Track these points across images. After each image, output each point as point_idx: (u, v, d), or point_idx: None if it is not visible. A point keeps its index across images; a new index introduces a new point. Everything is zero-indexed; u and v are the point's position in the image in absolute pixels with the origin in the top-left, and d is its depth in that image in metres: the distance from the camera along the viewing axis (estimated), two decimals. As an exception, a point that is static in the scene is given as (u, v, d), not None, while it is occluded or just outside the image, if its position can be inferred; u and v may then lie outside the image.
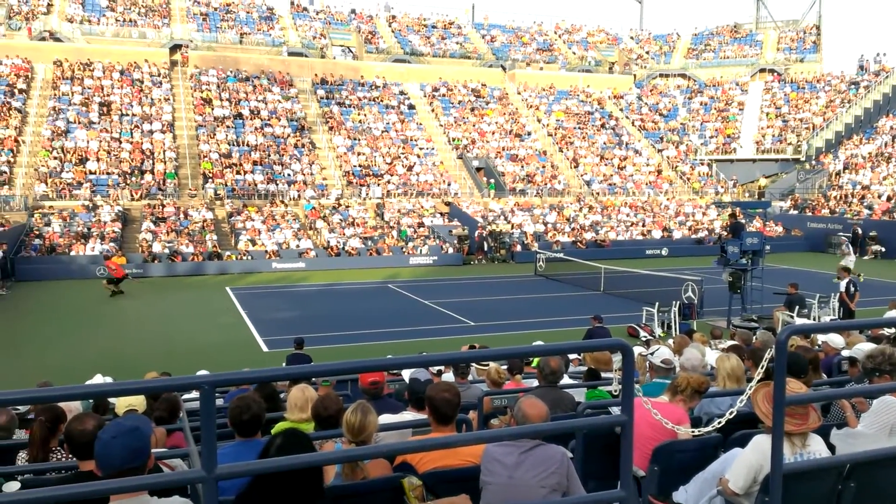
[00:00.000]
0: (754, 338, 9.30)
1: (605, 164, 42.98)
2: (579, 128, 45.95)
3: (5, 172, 31.75)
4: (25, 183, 31.91)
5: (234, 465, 2.46)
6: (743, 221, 20.13)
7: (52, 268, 26.35)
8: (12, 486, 3.82)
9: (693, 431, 4.20)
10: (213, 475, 2.21)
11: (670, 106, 51.69)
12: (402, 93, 45.49)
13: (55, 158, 33.06)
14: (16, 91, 36.65)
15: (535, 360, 7.72)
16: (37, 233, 28.22)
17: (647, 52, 59.90)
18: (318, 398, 4.63)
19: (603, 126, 46.69)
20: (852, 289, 16.81)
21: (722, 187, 43.07)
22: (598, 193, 40.24)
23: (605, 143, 44.90)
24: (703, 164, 45.23)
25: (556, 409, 5.20)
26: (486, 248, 32.34)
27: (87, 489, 2.31)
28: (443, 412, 3.86)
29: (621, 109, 49.59)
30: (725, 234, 20.22)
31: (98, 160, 33.74)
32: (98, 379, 7.87)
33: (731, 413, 3.93)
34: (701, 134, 48.08)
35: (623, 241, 34.83)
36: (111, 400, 6.19)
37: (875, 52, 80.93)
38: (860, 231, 33.91)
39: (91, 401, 6.09)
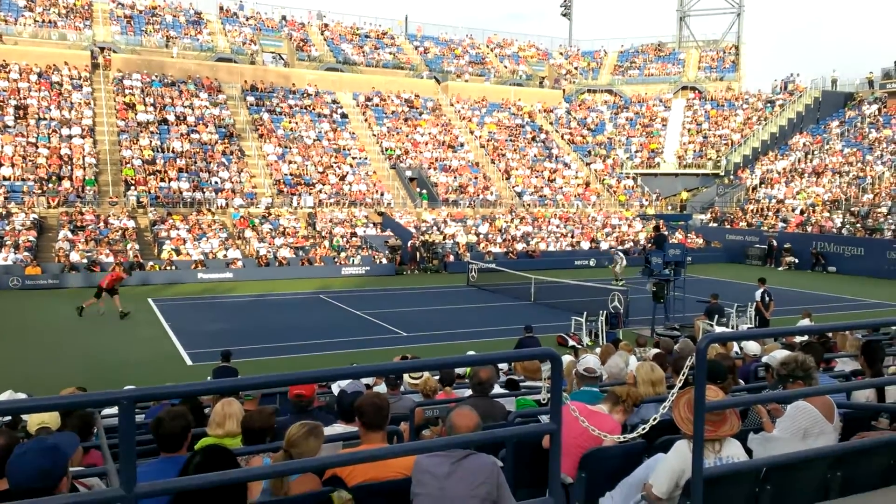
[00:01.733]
0: (675, 346, 9.61)
1: (536, 176, 43.76)
2: (511, 140, 46.65)
3: None
4: (-70, 188, 30.06)
5: (154, 483, 2.36)
6: (666, 233, 20.84)
7: (-41, 278, 24.86)
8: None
9: (618, 438, 4.30)
10: (132, 494, 2.13)
11: (598, 121, 53.13)
12: (334, 101, 45.16)
13: (-37, 162, 31.28)
14: (-80, 90, 34.56)
15: (468, 371, 7.76)
16: (-58, 241, 26.59)
17: (576, 68, 61.43)
18: (247, 412, 4.52)
19: (534, 139, 47.55)
20: (767, 298, 17.62)
21: (646, 200, 44.47)
22: (528, 205, 40.89)
23: (535, 156, 45.73)
24: (628, 177, 46.62)
25: (488, 418, 5.23)
26: (418, 259, 32.36)
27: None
28: (371, 420, 3.85)
29: (551, 123, 50.64)
30: (650, 245, 20.88)
31: (13, 165, 32.12)
32: (8, 395, 7.45)
33: (654, 420, 4.04)
34: (627, 148, 49.58)
35: (553, 252, 35.47)
36: (24, 417, 5.87)
37: (789, 72, 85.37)
38: (775, 243, 35.60)
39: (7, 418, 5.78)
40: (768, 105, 50.52)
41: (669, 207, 44.60)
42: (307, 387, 5.49)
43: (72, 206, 30.95)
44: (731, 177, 45.68)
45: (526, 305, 23.21)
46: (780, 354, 7.07)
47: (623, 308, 18.99)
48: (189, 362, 15.32)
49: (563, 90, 56.39)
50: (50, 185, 31.78)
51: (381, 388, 7.87)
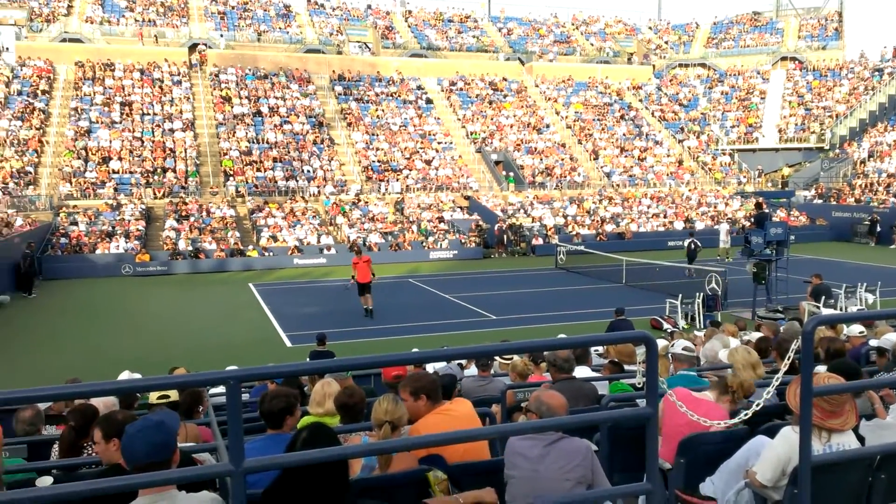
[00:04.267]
0: (781, 329, 9.20)
1: (625, 156, 42.66)
2: (598, 119, 45.63)
3: (30, 173, 32.26)
4: (50, 183, 32.40)
5: (262, 458, 2.48)
6: (767, 211, 19.88)
7: (79, 266, 26.74)
8: (45, 481, 3.89)
9: (721, 424, 4.16)
10: (241, 469, 2.23)
11: (690, 96, 51.13)
12: (419, 87, 45.47)
13: (79, 158, 33.52)
14: (38, 92, 37.20)
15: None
16: (62, 231, 28.63)
17: (666, 42, 59.27)
18: (342, 388, 4.65)
19: (622, 117, 46.32)
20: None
21: (745, 177, 42.54)
22: (618, 185, 39.96)
23: (624, 135, 44.55)
24: (724, 153, 44.71)
25: (577, 402, 5.18)
26: (506, 242, 32.28)
27: (113, 484, 2.35)
28: (434, 393, 3.95)
29: (640, 100, 49.15)
30: (750, 224, 19.99)
31: (121, 159, 34.16)
32: (126, 375, 8.00)
33: (757, 405, 3.89)
34: (722, 123, 47.52)
35: (644, 233, 34.56)
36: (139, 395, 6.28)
37: (901, 36, 79.31)
38: (878, 218, 33.34)
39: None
40: (876, 73, 47.12)
41: (770, 184, 42.46)
42: (403, 369, 5.59)
43: (176, 197, 32.65)
44: (837, 150, 43.01)
45: (617, 288, 22.76)
46: (894, 337, 6.65)
47: (721, 290, 18.30)
48: (288, 344, 15.92)
49: (653, 66, 54.57)
50: (155, 177, 33.63)
51: (472, 370, 7.94)
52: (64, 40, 42.03)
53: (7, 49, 39.22)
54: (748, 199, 37.13)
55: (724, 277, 18.61)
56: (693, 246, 26.06)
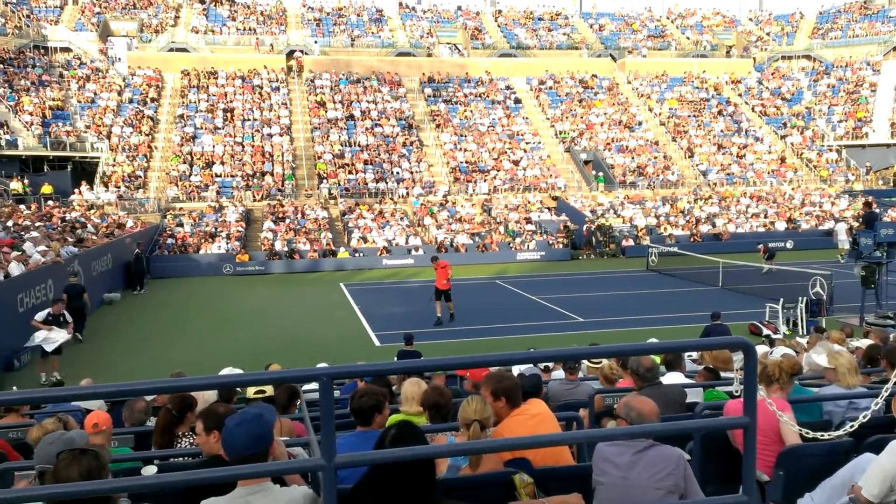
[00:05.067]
0: (891, 336, 8.63)
1: (723, 153, 41.06)
2: (694, 116, 44.12)
3: (140, 177, 34.33)
4: (158, 186, 34.38)
5: (353, 454, 2.55)
6: (878, 211, 18.65)
7: (184, 265, 28.24)
8: (150, 470, 4.14)
9: (823, 435, 3.95)
10: (333, 464, 2.30)
11: (794, 89, 48.62)
12: (508, 87, 45.36)
13: (184, 163, 35.40)
14: (148, 100, 39.51)
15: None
16: (169, 233, 30.32)
17: (768, 34, 56.59)
18: (432, 386, 4.71)
19: (720, 113, 44.60)
20: None
21: (853, 175, 40.09)
22: (714, 184, 38.52)
23: (722, 131, 42.88)
24: (831, 150, 42.25)
25: (665, 409, 5.03)
26: (594, 243, 31.72)
27: (213, 475, 2.47)
28: (514, 396, 3.98)
29: (740, 95, 47.17)
30: (858, 224, 18.83)
31: (223, 163, 35.82)
32: (228, 370, 8.38)
33: (864, 417, 3.67)
34: (828, 118, 44.91)
35: (743, 234, 33.18)
36: (238, 389, 6.58)
37: None
38: None
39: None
40: None
41: (881, 182, 39.86)
42: (481, 370, 5.61)
43: (273, 199, 33.95)
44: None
45: (712, 291, 21.95)
46: None
47: (827, 294, 17.32)
48: (377, 343, 16.24)
49: (754, 59, 52.24)
50: (255, 181, 35.08)
51: (559, 373, 7.86)
52: (171, 50, 44.47)
53: (119, 59, 41.84)
54: (856, 199, 34.99)
55: (831, 281, 17.60)
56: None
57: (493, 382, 4.01)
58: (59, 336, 13.41)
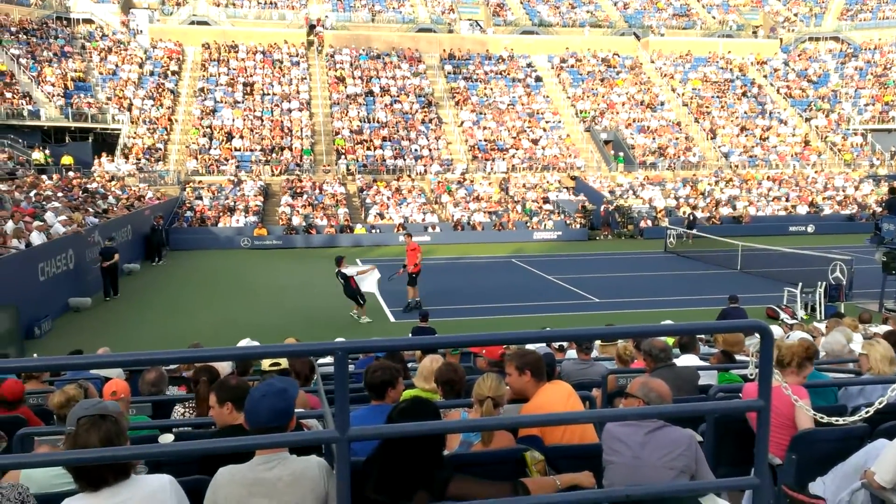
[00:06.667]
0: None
1: (746, 135, 40.51)
2: (718, 97, 43.51)
3: (160, 149, 34.53)
4: (178, 159, 34.58)
5: (365, 427, 2.58)
6: (902, 196, 18.32)
7: (202, 238, 28.47)
8: (167, 438, 4.21)
9: (838, 420, 3.93)
10: (346, 436, 2.33)
11: (820, 72, 47.70)
12: (529, 65, 44.91)
13: (204, 136, 35.54)
14: (169, 73, 39.59)
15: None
16: (188, 205, 30.55)
17: (796, 14, 55.42)
18: (445, 363, 4.74)
19: (744, 94, 43.94)
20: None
21: (878, 159, 39.41)
22: (736, 166, 38.07)
23: (745, 113, 42.28)
24: (856, 133, 41.52)
25: (678, 390, 5.03)
26: (612, 224, 31.55)
27: (231, 444, 2.52)
28: (539, 369, 4.05)
29: (765, 76, 46.38)
30: (881, 210, 18.55)
31: (242, 137, 35.92)
32: (246, 342, 8.48)
33: (880, 402, 3.65)
34: (855, 101, 44.08)
35: (764, 217, 32.85)
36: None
37: None
38: None
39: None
40: None
41: (907, 167, 39.14)
42: (496, 348, 5.63)
43: (292, 174, 34.03)
44: None
45: (731, 274, 21.82)
46: None
47: (846, 279, 17.13)
48: (392, 319, 16.33)
49: (780, 39, 51.24)
50: (273, 155, 35.17)
51: (572, 353, 7.87)
52: (192, 23, 44.44)
53: (141, 32, 41.90)
54: (880, 183, 34.43)
55: (851, 266, 17.40)
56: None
57: (517, 356, 4.07)
58: None
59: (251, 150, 35.34)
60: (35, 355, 12.53)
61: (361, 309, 16.21)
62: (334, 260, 16.68)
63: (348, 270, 16.05)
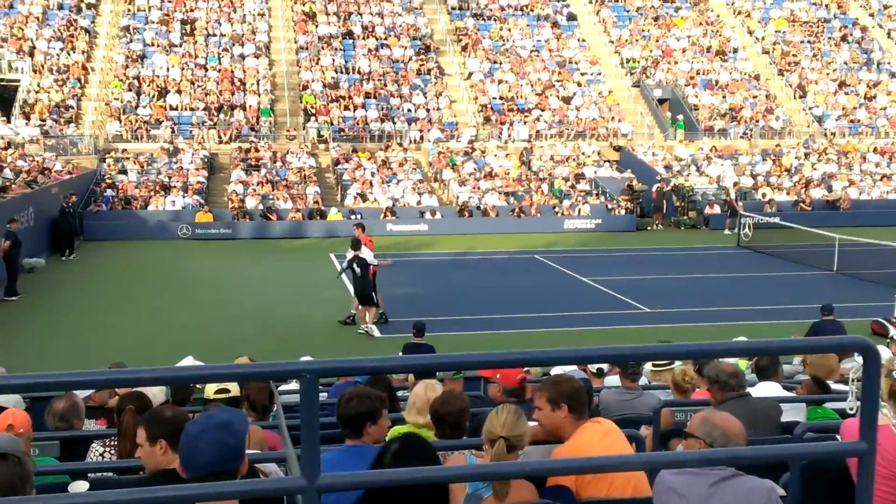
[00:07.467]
0: None
1: (846, 93, 40.50)
2: (809, 42, 43.50)
3: (72, 107, 34.52)
4: (95, 120, 34.62)
5: (341, 474, 2.58)
6: None
7: (127, 224, 28.52)
8: (80, 486, 4.21)
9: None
10: (316, 485, 2.32)
11: (947, 9, 47.72)
12: (559, -1, 44.93)
13: (130, 90, 35.55)
14: (83, 6, 39.56)
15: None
16: (109, 182, 30.58)
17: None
18: (446, 391, 4.74)
19: (844, 39, 43.91)
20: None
21: None
22: (833, 134, 38.08)
23: (846, 63, 42.27)
24: None
25: (753, 428, 5.04)
26: (668, 209, 31.57)
27: (166, 494, 2.51)
28: (579, 404, 4.03)
29: (872, 15, 46.34)
30: None
31: (179, 92, 35.93)
32: (189, 362, 8.44)
33: None
34: None
35: (869, 202, 32.95)
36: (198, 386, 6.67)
37: None
38: None
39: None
40: None
41: None
42: (515, 372, 5.61)
43: (245, 141, 34.05)
44: None
45: (825, 277, 21.92)
46: None
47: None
48: (376, 333, 16.34)
49: (893, -34, 51.24)
50: (221, 116, 35.18)
51: (614, 379, 7.87)
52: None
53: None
54: None
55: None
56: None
57: (550, 385, 4.04)
58: None
59: (192, 110, 35.36)
60: None
61: (371, 314, 16.28)
62: (350, 243, 16.74)
63: (368, 256, 16.06)
